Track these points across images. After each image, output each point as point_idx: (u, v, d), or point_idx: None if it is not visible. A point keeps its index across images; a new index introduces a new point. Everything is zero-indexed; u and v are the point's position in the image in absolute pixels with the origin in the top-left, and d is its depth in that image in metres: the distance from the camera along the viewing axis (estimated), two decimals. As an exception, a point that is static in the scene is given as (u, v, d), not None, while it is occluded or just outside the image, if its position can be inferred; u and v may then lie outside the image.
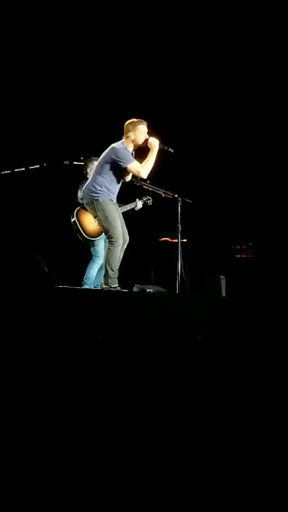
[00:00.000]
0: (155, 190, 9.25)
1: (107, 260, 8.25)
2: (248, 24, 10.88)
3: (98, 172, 8.26)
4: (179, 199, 9.11)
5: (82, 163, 9.63)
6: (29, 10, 10.50)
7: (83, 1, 10.69)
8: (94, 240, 9.22)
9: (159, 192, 9.25)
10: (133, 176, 8.53)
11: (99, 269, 9.25)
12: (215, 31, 11.04)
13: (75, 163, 9.84)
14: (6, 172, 9.61)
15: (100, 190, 8.20)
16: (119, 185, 8.36)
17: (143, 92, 11.16)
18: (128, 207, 9.50)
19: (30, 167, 9.75)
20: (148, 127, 8.30)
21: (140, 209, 9.57)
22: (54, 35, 10.77)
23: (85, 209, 8.96)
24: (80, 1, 10.68)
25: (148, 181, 9.17)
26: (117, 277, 8.26)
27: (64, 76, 11.02)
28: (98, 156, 8.92)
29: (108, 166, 8.21)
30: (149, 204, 9.60)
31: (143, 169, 8.19)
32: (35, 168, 9.79)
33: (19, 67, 10.85)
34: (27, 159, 9.93)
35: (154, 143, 8.23)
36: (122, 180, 8.34)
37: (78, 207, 9.24)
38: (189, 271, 9.40)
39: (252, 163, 11.48)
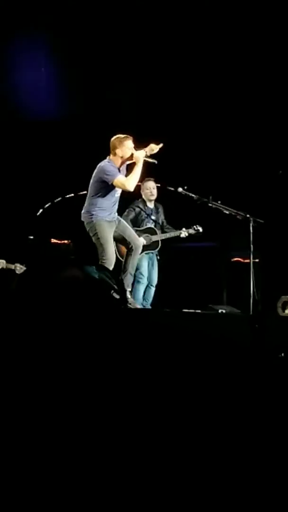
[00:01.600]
0: (226, 210, 9.24)
1: None
2: (241, 33, 10.81)
3: (91, 193, 8.37)
4: (251, 219, 9.09)
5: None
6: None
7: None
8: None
9: (230, 211, 9.24)
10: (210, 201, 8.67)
11: (146, 288, 9.41)
12: (210, 41, 11.00)
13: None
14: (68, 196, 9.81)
15: (94, 211, 8.33)
16: (115, 201, 8.43)
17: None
18: (171, 234, 9.64)
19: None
20: (134, 142, 8.38)
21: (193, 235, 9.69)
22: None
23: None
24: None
25: (219, 202, 9.19)
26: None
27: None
28: (152, 177, 9.41)
29: (98, 185, 8.31)
30: (198, 234, 9.67)
31: (128, 182, 8.23)
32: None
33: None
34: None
35: (139, 156, 8.28)
36: (116, 196, 8.40)
37: None
38: (262, 291, 9.33)
39: None
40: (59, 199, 9.99)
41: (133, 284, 9.25)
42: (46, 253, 9.92)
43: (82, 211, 8.48)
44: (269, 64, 11.09)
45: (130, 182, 8.22)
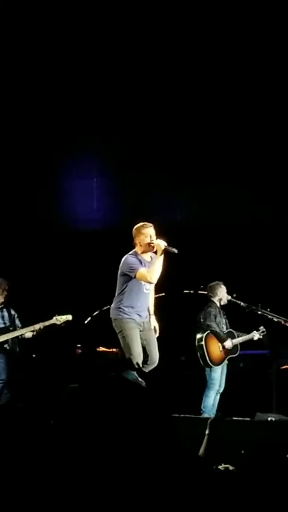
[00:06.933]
0: (275, 318, 9.24)
1: None
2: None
3: (118, 289, 8.11)
4: (301, 326, 9.07)
5: (205, 292, 9.74)
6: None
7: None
8: (213, 367, 9.26)
9: (279, 319, 9.24)
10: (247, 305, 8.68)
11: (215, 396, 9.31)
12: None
13: (199, 292, 9.97)
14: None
15: (121, 309, 8.03)
16: (144, 296, 8.09)
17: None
18: (245, 338, 9.54)
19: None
20: (155, 229, 8.08)
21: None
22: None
23: (214, 334, 9.25)
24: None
25: (268, 309, 9.20)
26: None
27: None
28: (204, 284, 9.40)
29: (123, 280, 8.05)
30: (264, 335, 9.57)
31: (150, 273, 7.85)
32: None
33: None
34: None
35: (159, 244, 7.90)
36: (145, 292, 8.06)
37: (208, 332, 9.34)
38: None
39: None
40: (107, 307, 9.94)
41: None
42: (93, 362, 9.92)
43: (111, 307, 8.23)
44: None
45: (152, 274, 7.86)
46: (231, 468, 4.82)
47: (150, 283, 7.98)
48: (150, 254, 8.08)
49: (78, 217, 11.27)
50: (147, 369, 7.89)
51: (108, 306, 9.60)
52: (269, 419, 8.55)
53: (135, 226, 8.12)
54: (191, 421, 8.04)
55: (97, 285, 10.54)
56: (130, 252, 8.10)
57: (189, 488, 3.08)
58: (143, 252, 8.05)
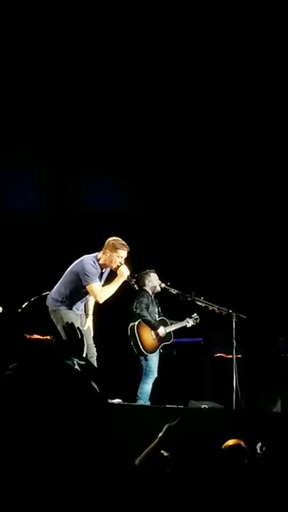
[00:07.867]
0: (209, 306, 9.29)
1: None
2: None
3: (64, 281, 7.92)
4: (234, 314, 9.12)
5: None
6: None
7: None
8: (148, 355, 9.27)
9: (213, 307, 9.29)
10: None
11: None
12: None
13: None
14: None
15: (61, 301, 7.87)
16: (86, 298, 7.99)
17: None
18: (178, 325, 9.58)
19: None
20: (129, 254, 7.92)
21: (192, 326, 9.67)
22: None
23: (145, 323, 9.23)
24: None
25: (202, 297, 9.25)
26: None
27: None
28: (151, 269, 9.32)
29: (73, 277, 7.85)
30: (198, 322, 9.63)
31: (101, 293, 7.74)
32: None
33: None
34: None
35: (123, 273, 7.80)
36: (87, 297, 7.96)
37: (139, 320, 9.34)
38: (245, 387, 9.31)
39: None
40: (36, 297, 9.70)
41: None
42: (26, 350, 9.82)
43: (49, 295, 8.06)
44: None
45: (103, 294, 7.74)
46: (165, 454, 4.86)
47: (96, 300, 7.86)
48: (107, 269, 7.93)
49: (12, 206, 11.13)
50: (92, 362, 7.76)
51: (38, 296, 9.47)
52: (202, 406, 8.60)
53: (114, 239, 7.91)
54: (125, 407, 8.09)
55: (25, 274, 10.44)
56: (92, 257, 7.90)
57: (119, 474, 3.07)
58: (104, 265, 7.87)
